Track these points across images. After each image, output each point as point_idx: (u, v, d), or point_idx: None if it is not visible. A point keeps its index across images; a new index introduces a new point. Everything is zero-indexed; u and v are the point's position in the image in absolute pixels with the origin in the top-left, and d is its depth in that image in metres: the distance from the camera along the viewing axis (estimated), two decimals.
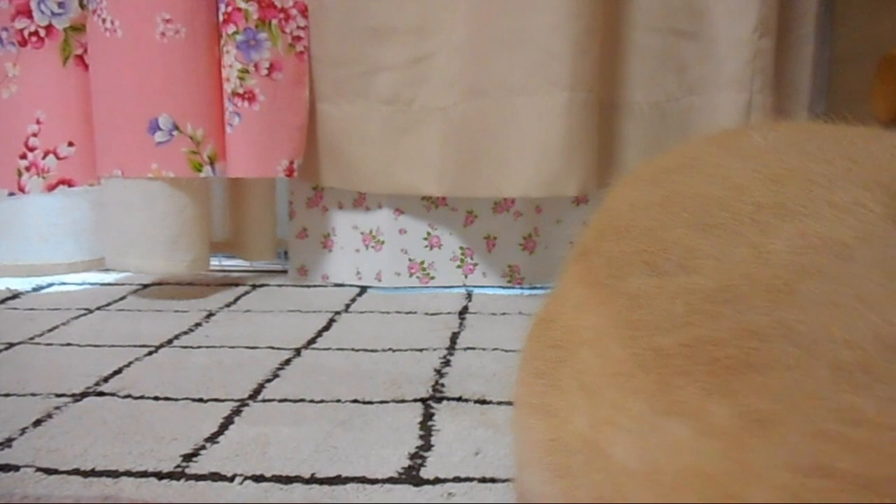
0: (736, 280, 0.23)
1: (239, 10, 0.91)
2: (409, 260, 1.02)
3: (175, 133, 0.92)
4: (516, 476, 0.32)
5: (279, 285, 1.07)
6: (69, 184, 1.03)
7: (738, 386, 0.20)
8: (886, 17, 0.83)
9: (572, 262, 0.32)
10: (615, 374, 0.26)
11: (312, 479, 0.48)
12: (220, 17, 0.92)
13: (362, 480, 0.48)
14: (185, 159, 0.92)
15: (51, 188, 1.02)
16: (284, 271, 1.13)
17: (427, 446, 0.53)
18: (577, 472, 0.27)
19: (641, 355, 0.24)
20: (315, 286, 1.06)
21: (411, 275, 1.02)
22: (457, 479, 0.47)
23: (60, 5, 0.99)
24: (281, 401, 0.62)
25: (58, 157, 1.01)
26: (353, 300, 0.98)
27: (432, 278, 1.03)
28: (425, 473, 0.49)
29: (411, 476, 0.48)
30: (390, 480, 0.48)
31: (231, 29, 0.92)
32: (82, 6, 0.98)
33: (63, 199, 1.09)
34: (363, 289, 1.04)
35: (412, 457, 0.51)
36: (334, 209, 1.05)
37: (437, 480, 0.47)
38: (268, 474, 0.49)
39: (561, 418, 0.28)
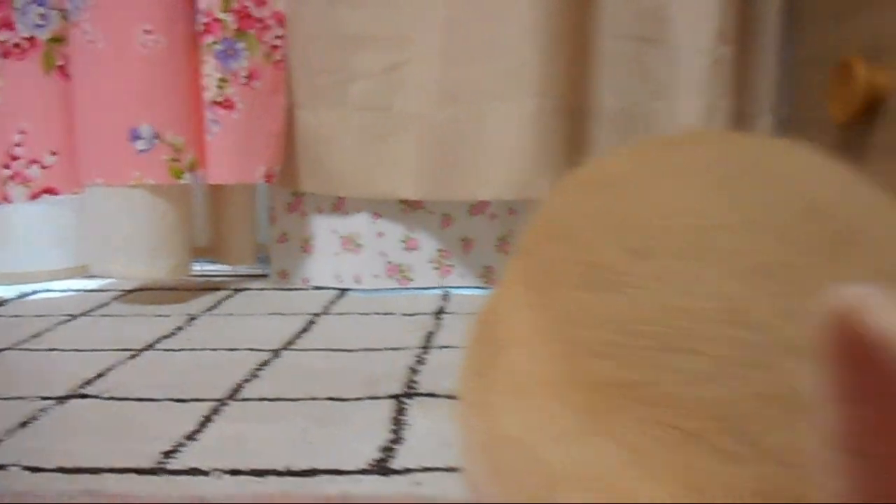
0: (657, 313, 0.24)
1: (217, 20, 0.94)
2: (388, 262, 1.05)
3: (156, 141, 0.94)
4: (464, 470, 0.34)
5: (260, 289, 1.09)
6: (53, 192, 1.04)
7: (669, 438, 0.22)
8: (847, 21, 0.86)
9: (513, 261, 0.34)
10: (545, 382, 0.27)
11: (286, 472, 0.50)
12: (199, 28, 0.95)
13: (334, 472, 0.50)
14: (165, 167, 0.94)
15: (35, 197, 1.03)
16: (266, 275, 1.15)
17: (398, 439, 0.55)
18: (512, 472, 0.28)
19: (571, 372, 0.26)
20: (296, 289, 1.08)
21: (390, 277, 1.05)
22: (425, 469, 0.50)
23: (42, 17, 1.00)
24: (259, 400, 0.65)
25: (41, 167, 1.03)
26: (333, 302, 1.00)
27: (411, 280, 1.05)
28: (395, 464, 0.51)
29: (381, 467, 0.51)
30: (361, 471, 0.50)
31: (210, 39, 0.94)
32: (64, 18, 1.00)
33: (47, 207, 1.11)
34: (343, 291, 1.06)
35: (383, 449, 0.54)
36: (314, 214, 1.07)
37: (406, 470, 0.50)
38: (244, 468, 0.51)
39: (495, 417, 0.29)
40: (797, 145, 0.31)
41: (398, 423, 0.58)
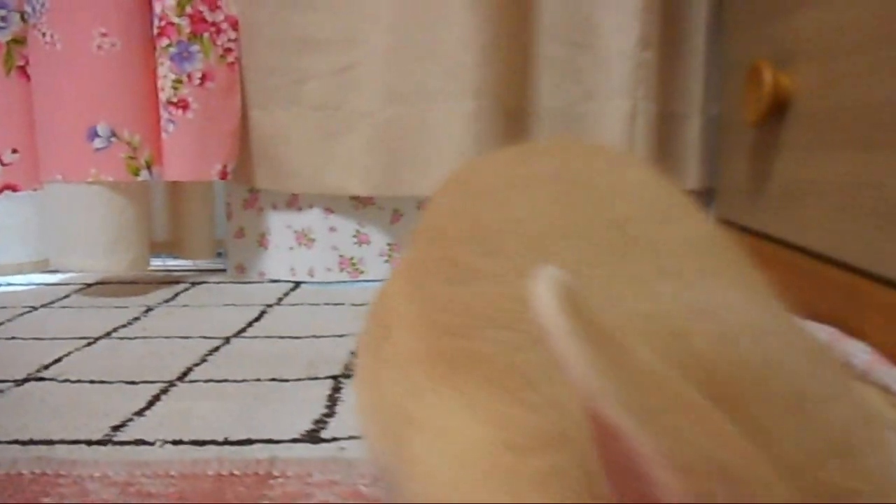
0: (493, 300, 0.30)
1: (172, 24, 0.98)
2: (340, 256, 1.10)
3: (113, 139, 0.98)
4: (362, 434, 0.40)
5: (218, 282, 1.13)
6: (14, 189, 1.08)
7: (496, 389, 0.27)
8: (761, 27, 0.92)
9: (401, 257, 0.40)
10: (417, 358, 0.32)
11: (225, 442, 0.55)
12: (155, 31, 0.99)
13: (269, 441, 0.55)
14: (123, 164, 0.98)
15: None
16: (224, 270, 1.19)
17: (331, 413, 0.60)
18: (396, 435, 0.33)
19: (434, 348, 0.32)
20: (252, 282, 1.13)
21: (342, 270, 1.10)
22: (350, 438, 0.55)
23: (3, 19, 1.04)
24: (206, 381, 0.69)
25: (2, 164, 1.06)
26: (286, 294, 1.05)
27: (362, 273, 1.10)
28: (324, 434, 0.56)
29: (312, 436, 0.56)
30: (293, 440, 0.55)
31: (165, 42, 0.98)
32: (24, 20, 1.03)
33: (8, 203, 1.14)
34: (297, 284, 1.11)
35: (315, 422, 0.59)
36: (269, 210, 1.12)
37: (333, 439, 0.55)
38: (186, 439, 0.56)
39: (382, 388, 0.35)
40: (625, 159, 0.37)
41: (333, 399, 0.63)
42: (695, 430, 0.17)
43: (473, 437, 0.27)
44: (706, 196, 1.14)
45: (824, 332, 0.72)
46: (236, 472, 0.49)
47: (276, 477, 0.49)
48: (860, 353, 0.66)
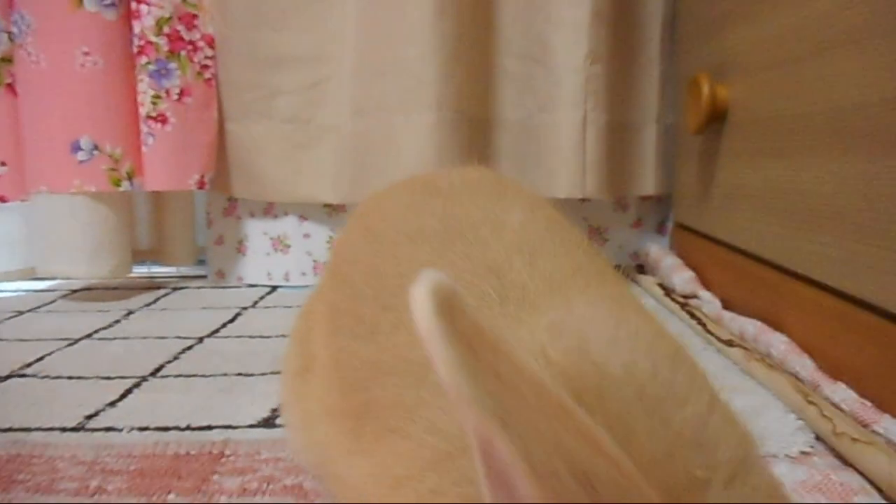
0: (397, 361, 0.33)
1: (151, 43, 1.03)
2: (314, 261, 1.15)
3: (95, 152, 1.03)
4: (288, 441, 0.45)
5: (198, 287, 1.18)
6: (2, 200, 1.13)
7: (391, 436, 0.30)
8: (713, 38, 0.98)
9: (323, 273, 0.45)
10: (331, 411, 0.37)
11: (187, 428, 0.60)
12: (134, 49, 1.04)
13: (227, 427, 0.60)
14: (105, 175, 1.04)
15: None
16: (205, 275, 1.25)
17: None
18: (321, 470, 0.38)
19: (343, 406, 0.35)
20: (230, 287, 1.18)
21: (316, 274, 1.15)
22: None
23: None
24: (176, 376, 0.74)
25: None
26: (262, 298, 1.10)
27: None
28: (278, 421, 0.61)
29: (267, 422, 0.61)
30: (249, 426, 0.61)
31: (144, 60, 1.04)
32: (11, 40, 1.09)
33: None
34: (273, 288, 1.16)
35: (272, 410, 0.64)
36: (247, 217, 1.17)
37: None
38: (152, 426, 0.61)
39: (310, 423, 0.39)
40: (511, 200, 0.40)
41: None
42: (559, 432, 0.18)
43: (365, 478, 0.31)
44: (665, 202, 1.20)
45: (751, 326, 0.77)
46: (192, 452, 0.55)
47: (227, 456, 0.54)
48: (779, 343, 0.71)
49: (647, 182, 1.14)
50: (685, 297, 0.96)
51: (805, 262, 0.72)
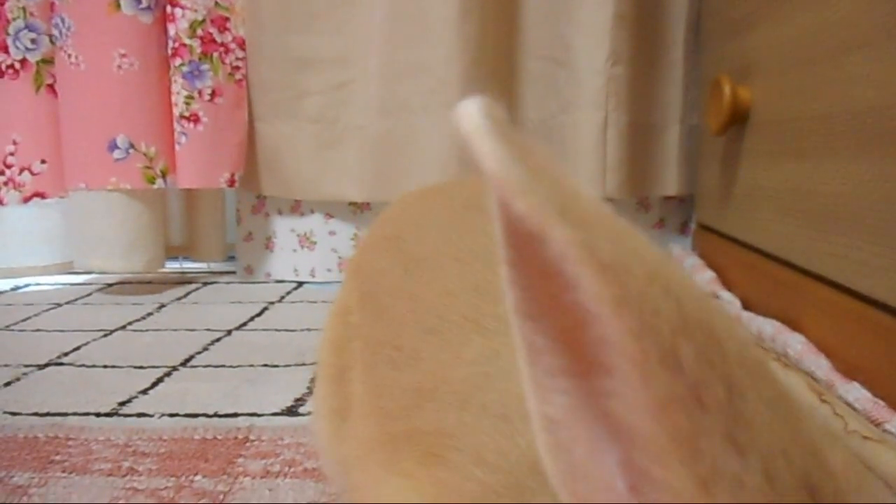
0: (439, 384, 0.32)
1: (184, 45, 1.07)
2: (339, 258, 1.18)
3: (131, 151, 1.07)
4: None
5: (227, 283, 1.22)
6: (42, 196, 1.18)
7: (433, 462, 0.30)
8: (735, 40, 0.98)
9: (349, 280, 0.44)
10: (370, 447, 0.35)
11: (214, 415, 0.63)
12: (169, 52, 1.08)
13: (252, 415, 0.63)
14: (139, 173, 1.07)
15: (26, 200, 1.17)
16: (234, 271, 1.28)
17: (311, 393, 0.68)
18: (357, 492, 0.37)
19: (381, 436, 0.34)
20: (259, 282, 1.21)
21: (341, 271, 1.18)
22: None
23: (33, 42, 1.14)
24: (205, 366, 0.77)
25: (32, 173, 1.16)
26: (289, 293, 1.13)
27: None
28: (302, 409, 0.64)
29: (290, 411, 0.64)
30: (273, 414, 0.63)
31: (178, 61, 1.07)
32: (52, 42, 1.13)
33: (37, 209, 1.24)
34: (300, 284, 1.19)
35: (296, 400, 0.66)
36: (275, 215, 1.20)
37: (308, 413, 0.63)
38: (181, 412, 0.64)
39: (346, 460, 0.38)
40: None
41: (314, 382, 0.71)
42: (617, 230, 0.15)
43: (401, 492, 0.31)
44: (687, 202, 1.20)
45: (769, 326, 0.78)
46: (219, 437, 0.57)
47: (252, 440, 0.57)
48: (796, 343, 0.71)
49: (670, 183, 1.15)
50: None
51: (823, 263, 0.72)
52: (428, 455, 0.30)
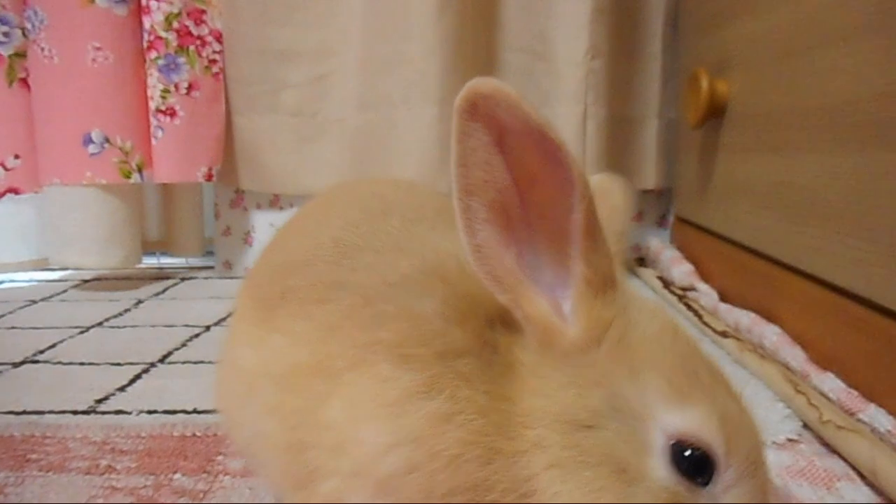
0: (310, 253, 0.38)
1: (160, 38, 1.05)
2: None
3: (106, 145, 1.05)
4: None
5: (206, 278, 1.21)
6: (16, 192, 1.16)
7: (313, 311, 0.34)
8: (713, 34, 0.99)
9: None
10: (242, 315, 0.40)
11: (193, 412, 0.62)
12: (144, 45, 1.07)
13: None
14: (115, 168, 1.06)
15: (0, 196, 1.15)
16: (212, 266, 1.27)
17: None
18: (224, 378, 0.41)
19: (254, 300, 0.39)
20: (238, 278, 1.20)
21: None
22: None
23: (5, 35, 1.12)
24: (183, 363, 0.77)
25: (5, 168, 1.14)
26: None
27: None
28: None
29: None
30: None
31: (153, 55, 1.06)
32: (25, 35, 1.11)
33: (11, 205, 1.22)
34: None
35: None
36: (253, 209, 1.19)
37: None
38: (160, 409, 0.63)
39: (229, 341, 0.42)
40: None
41: None
42: None
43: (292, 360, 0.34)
44: (666, 195, 1.21)
45: (745, 317, 0.79)
46: (198, 434, 0.57)
47: None
48: (771, 334, 0.72)
49: (648, 176, 1.16)
50: (683, 289, 0.98)
51: (798, 256, 0.73)
52: (305, 304, 0.35)
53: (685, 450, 0.28)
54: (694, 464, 0.28)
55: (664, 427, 0.29)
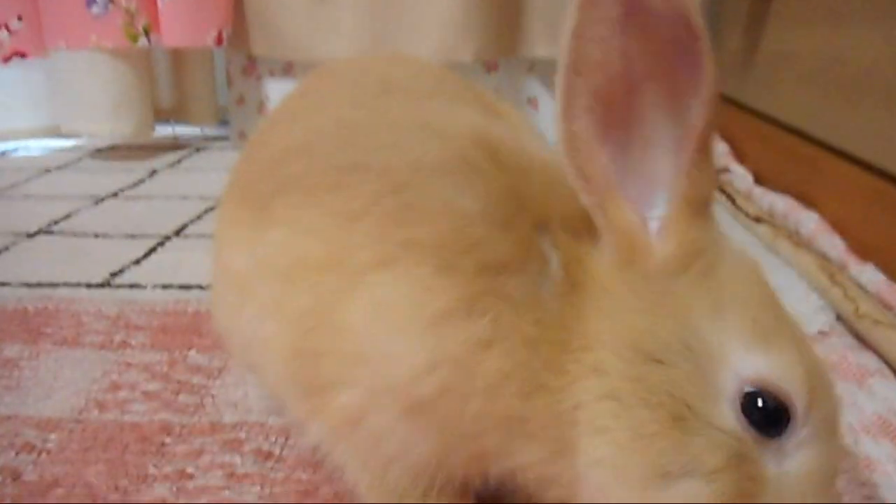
0: (311, 136, 0.34)
1: None
2: None
3: (110, 6, 0.99)
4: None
5: (220, 149, 1.18)
6: (22, 55, 1.10)
7: (324, 199, 0.30)
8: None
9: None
10: (229, 218, 0.37)
11: (208, 287, 0.61)
12: None
13: None
14: (121, 31, 1.00)
15: (6, 60, 1.10)
16: (227, 137, 1.23)
17: None
18: (215, 287, 0.39)
19: (242, 199, 0.35)
20: None
21: None
22: None
23: None
24: (199, 236, 0.75)
25: (9, 30, 1.09)
26: None
27: None
28: None
29: None
30: None
31: None
32: None
33: (21, 71, 1.17)
34: None
35: None
36: (267, 77, 1.14)
37: None
38: (175, 284, 0.62)
39: (215, 250, 0.39)
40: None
41: None
42: None
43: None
44: None
45: (781, 202, 0.75)
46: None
47: None
48: (809, 221, 0.69)
49: None
50: (717, 170, 0.93)
51: (846, 138, 0.68)
52: (312, 191, 0.31)
53: (760, 398, 0.25)
54: (767, 415, 0.25)
55: (741, 370, 0.26)
